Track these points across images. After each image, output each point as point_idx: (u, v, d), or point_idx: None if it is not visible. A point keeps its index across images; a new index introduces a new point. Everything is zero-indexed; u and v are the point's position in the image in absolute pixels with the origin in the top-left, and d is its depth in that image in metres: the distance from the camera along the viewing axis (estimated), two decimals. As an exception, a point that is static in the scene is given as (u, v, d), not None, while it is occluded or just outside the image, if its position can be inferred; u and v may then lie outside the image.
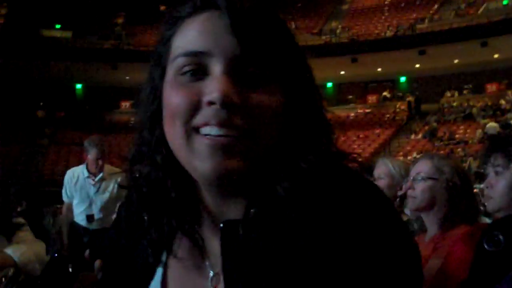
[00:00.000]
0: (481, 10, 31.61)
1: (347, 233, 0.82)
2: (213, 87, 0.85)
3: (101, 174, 6.04)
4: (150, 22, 36.11)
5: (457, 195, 2.63)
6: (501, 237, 2.00)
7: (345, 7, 38.07)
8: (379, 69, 33.36)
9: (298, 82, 0.94)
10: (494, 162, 2.34)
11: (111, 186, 6.05)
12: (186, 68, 0.89)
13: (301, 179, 0.88)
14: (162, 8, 38.71)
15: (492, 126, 25.95)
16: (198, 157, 0.87)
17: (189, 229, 0.96)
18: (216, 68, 0.87)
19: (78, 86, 36.05)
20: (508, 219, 2.21)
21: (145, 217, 0.99)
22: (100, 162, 5.99)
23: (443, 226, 2.65)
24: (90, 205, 6.06)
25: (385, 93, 34.61)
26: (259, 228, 0.87)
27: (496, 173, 2.33)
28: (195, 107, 0.87)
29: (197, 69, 0.89)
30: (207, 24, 0.90)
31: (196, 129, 0.87)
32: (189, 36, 0.91)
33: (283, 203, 0.87)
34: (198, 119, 0.87)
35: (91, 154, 6.01)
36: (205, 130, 0.86)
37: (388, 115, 33.14)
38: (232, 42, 0.87)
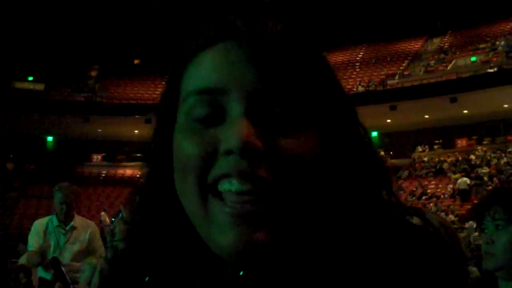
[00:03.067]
0: (450, 66, 32.45)
1: None
2: (231, 133, 0.69)
3: (71, 223, 5.87)
4: (124, 75, 36.41)
5: (444, 249, 2.56)
6: None
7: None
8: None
9: (339, 124, 0.79)
10: (494, 216, 2.22)
11: (82, 237, 5.87)
12: (199, 111, 0.73)
13: (349, 237, 0.72)
14: (136, 61, 39.11)
15: (463, 181, 26.27)
16: (216, 226, 0.70)
17: None
18: (234, 108, 0.71)
19: (49, 138, 35.76)
20: None
21: None
22: (64, 207, 5.80)
23: None
24: (60, 255, 5.84)
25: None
26: None
27: (497, 227, 2.21)
28: (210, 158, 0.71)
29: (212, 111, 0.73)
30: (222, 56, 0.74)
31: (213, 187, 0.71)
32: (202, 72, 0.75)
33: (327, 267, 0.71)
34: (213, 173, 0.71)
35: (56, 199, 5.84)
36: (223, 186, 0.70)
37: (360, 170, 33.34)
38: (253, 76, 0.71)
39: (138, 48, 37.67)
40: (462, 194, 25.91)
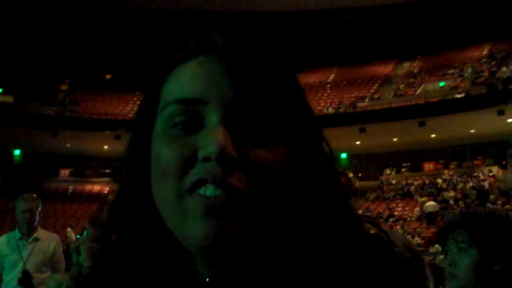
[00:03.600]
0: (419, 91, 32.88)
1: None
2: (208, 140, 0.74)
3: (35, 235, 5.81)
4: (94, 90, 36.13)
5: (408, 270, 2.60)
6: None
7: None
8: (321, 145, 33.90)
9: (305, 140, 0.83)
10: (457, 239, 2.28)
11: (46, 247, 5.82)
12: (178, 119, 0.77)
13: (310, 242, 0.77)
14: (108, 76, 38.87)
15: (430, 204, 26.57)
16: (190, 219, 0.74)
17: None
18: (213, 117, 0.76)
19: (16, 152, 35.22)
20: (504, 275, 2.17)
21: None
22: (27, 215, 5.74)
23: None
24: (23, 267, 5.76)
25: (326, 169, 35.08)
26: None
27: (460, 250, 2.27)
28: (188, 164, 0.75)
29: (190, 119, 0.77)
30: (201, 69, 0.79)
31: (190, 190, 0.75)
32: (182, 82, 0.79)
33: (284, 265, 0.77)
34: (191, 177, 0.75)
35: (19, 208, 5.79)
36: (199, 190, 0.74)
37: (328, 191, 33.46)
38: (230, 88, 0.76)
39: (110, 63, 37.50)
40: (429, 217, 26.19)
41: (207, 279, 0.80)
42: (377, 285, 0.75)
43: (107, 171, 32.66)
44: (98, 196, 31.68)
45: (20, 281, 5.57)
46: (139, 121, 0.87)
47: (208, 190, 0.73)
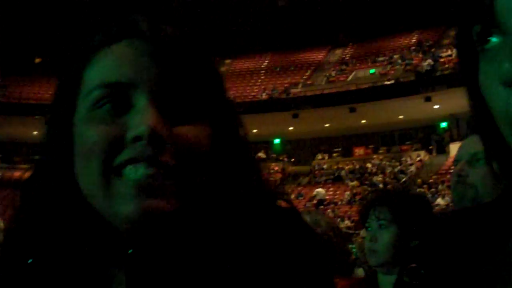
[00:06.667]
0: (350, 77, 33.44)
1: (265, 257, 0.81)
2: (139, 120, 0.76)
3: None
4: (23, 73, 35.00)
5: (331, 248, 2.73)
6: (421, 270, 2.09)
7: (222, 69, 38.79)
8: (255, 131, 34.04)
9: (224, 118, 0.87)
10: (378, 216, 2.39)
11: None
12: (104, 101, 0.78)
13: (228, 214, 0.82)
14: (37, 60, 37.74)
15: (320, 191, 27.42)
16: (119, 199, 0.76)
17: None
18: (141, 99, 0.78)
19: None
20: (421, 250, 2.29)
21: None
22: None
23: None
24: None
25: (260, 154, 35.27)
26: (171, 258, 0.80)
27: (380, 226, 2.37)
28: (117, 144, 0.76)
29: (117, 102, 0.79)
30: (127, 52, 0.80)
31: (117, 171, 0.77)
32: (107, 67, 0.80)
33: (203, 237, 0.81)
34: (120, 158, 0.76)
35: None
36: (129, 170, 0.76)
37: (262, 176, 33.62)
38: (156, 70, 0.79)
39: (40, 47, 36.44)
40: (319, 204, 27.13)
41: (130, 251, 0.81)
42: (286, 250, 0.82)
43: (37, 157, 31.68)
44: (28, 183, 30.80)
45: None
46: (57, 106, 0.87)
47: (139, 170, 0.75)
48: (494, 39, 0.66)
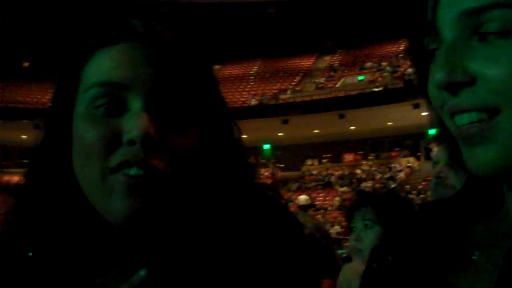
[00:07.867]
0: (339, 84, 33.49)
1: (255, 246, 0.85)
2: (133, 125, 0.79)
3: None
4: (11, 77, 34.82)
5: (318, 249, 2.78)
6: (388, 256, 2.13)
7: (212, 75, 38.73)
8: (244, 136, 33.88)
9: (218, 122, 0.91)
10: (364, 216, 2.47)
11: None
12: (101, 101, 0.81)
13: (221, 213, 0.86)
14: (26, 64, 37.57)
15: (303, 198, 27.42)
16: (114, 196, 0.80)
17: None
18: (135, 103, 0.81)
19: None
20: (389, 238, 2.34)
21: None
22: None
23: None
24: None
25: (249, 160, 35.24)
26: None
27: (365, 226, 2.46)
28: (112, 145, 0.80)
29: (113, 102, 0.82)
30: (124, 55, 0.83)
31: (112, 170, 0.80)
32: (105, 66, 0.83)
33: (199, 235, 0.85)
34: (115, 159, 0.80)
35: None
36: (122, 171, 0.79)
37: (252, 181, 33.62)
38: (152, 75, 0.82)
39: (28, 51, 36.28)
40: (302, 209, 26.72)
41: (124, 242, 0.85)
42: (276, 248, 0.86)
43: (26, 161, 31.52)
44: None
45: None
46: (57, 103, 0.90)
47: (132, 170, 0.79)
48: (437, 50, 0.72)
